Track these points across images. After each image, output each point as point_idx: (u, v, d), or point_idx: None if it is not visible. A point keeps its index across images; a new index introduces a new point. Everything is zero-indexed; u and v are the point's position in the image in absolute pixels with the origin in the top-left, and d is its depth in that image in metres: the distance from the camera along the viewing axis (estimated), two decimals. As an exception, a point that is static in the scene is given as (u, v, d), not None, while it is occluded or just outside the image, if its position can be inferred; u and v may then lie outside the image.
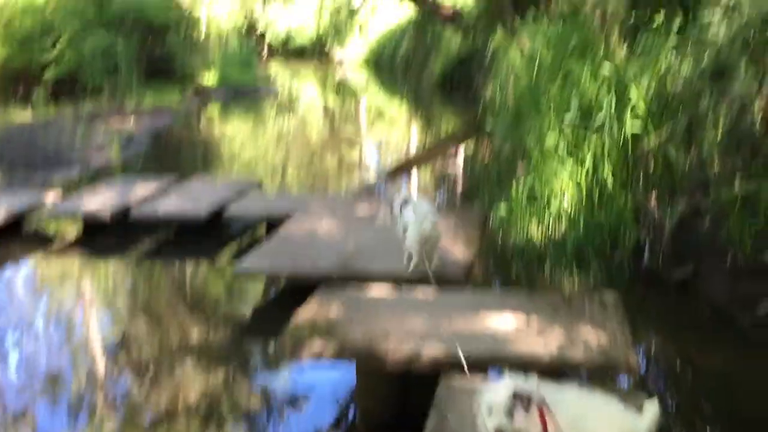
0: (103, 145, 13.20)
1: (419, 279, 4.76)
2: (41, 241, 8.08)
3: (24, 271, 7.28)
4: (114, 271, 7.32)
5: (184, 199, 8.12)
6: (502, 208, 7.17)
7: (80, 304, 6.40)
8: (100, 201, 8.16)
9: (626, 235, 6.21)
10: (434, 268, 4.79)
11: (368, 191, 9.78)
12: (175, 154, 14.10)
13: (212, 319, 5.92)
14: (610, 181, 6.42)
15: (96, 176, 11.50)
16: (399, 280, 4.80)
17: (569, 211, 6.62)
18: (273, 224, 7.27)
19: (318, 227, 6.58)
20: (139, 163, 12.77)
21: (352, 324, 3.96)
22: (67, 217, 8.01)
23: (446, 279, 4.79)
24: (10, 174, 11.20)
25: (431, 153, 13.51)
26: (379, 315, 4.07)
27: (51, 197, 8.59)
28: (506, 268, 6.64)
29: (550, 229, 6.67)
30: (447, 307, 4.19)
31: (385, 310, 4.19)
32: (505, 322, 3.86)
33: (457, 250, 5.23)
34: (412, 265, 4.92)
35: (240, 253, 7.24)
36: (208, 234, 7.83)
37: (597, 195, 6.51)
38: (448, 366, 3.50)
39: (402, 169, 11.96)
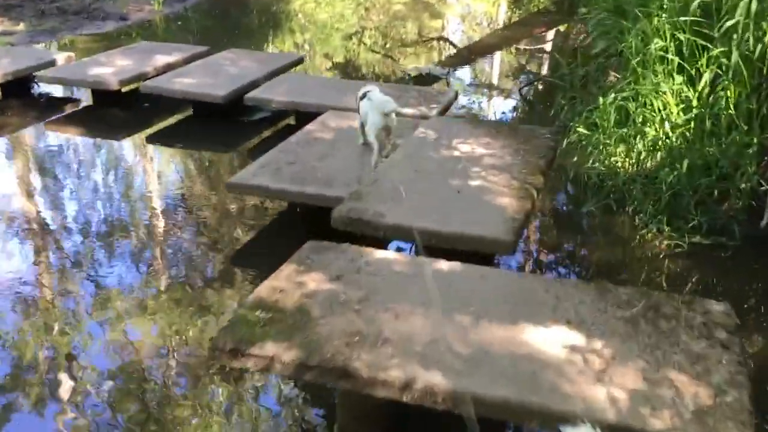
0: (147, -2, 11.95)
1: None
2: (43, 108, 7.09)
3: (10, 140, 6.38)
4: (107, 150, 6.31)
5: (206, 75, 6.90)
6: (581, 126, 5.71)
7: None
8: (111, 68, 7.04)
9: (744, 180, 4.72)
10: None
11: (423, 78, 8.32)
12: (230, 10, 12.72)
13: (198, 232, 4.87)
14: (732, 107, 4.84)
15: (130, 33, 10.37)
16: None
17: (670, 141, 5.10)
18: (305, 116, 6.06)
19: (343, 135, 5.32)
20: (184, 20, 11.49)
21: (332, 316, 2.74)
22: (71, 83, 6.93)
23: (482, 246, 3.48)
24: (38, 23, 10.14)
25: (510, 35, 11.70)
26: (372, 304, 2.83)
27: (63, 58, 7.51)
28: (573, 216, 5.27)
29: (640, 163, 5.20)
30: (473, 299, 2.90)
31: (384, 294, 2.92)
32: (553, 344, 2.60)
33: (506, 201, 3.78)
34: (373, 159, 4.72)
35: (252, 151, 6.12)
36: (228, 119, 6.67)
37: (711, 124, 4.96)
38: (452, 403, 2.34)
39: (474, 52, 10.35)
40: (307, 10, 13.71)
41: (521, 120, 7.25)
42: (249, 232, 4.85)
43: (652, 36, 5.39)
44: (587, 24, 7.95)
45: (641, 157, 5.25)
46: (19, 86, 7.16)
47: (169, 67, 7.32)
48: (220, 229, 4.93)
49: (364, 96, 4.90)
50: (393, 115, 4.70)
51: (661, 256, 4.52)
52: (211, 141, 6.43)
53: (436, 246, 3.41)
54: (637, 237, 4.72)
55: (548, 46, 11.07)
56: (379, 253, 3.19)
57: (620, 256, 4.63)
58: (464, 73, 9.15)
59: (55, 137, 6.53)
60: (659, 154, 5.18)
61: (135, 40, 10.06)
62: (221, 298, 4.09)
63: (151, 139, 6.53)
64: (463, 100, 7.61)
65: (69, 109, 7.13)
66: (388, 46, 11.17)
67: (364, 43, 11.27)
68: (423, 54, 10.58)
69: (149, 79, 6.92)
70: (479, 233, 3.42)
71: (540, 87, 8.31)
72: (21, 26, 9.86)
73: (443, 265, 3.10)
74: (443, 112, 6.17)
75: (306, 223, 4.68)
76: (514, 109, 7.78)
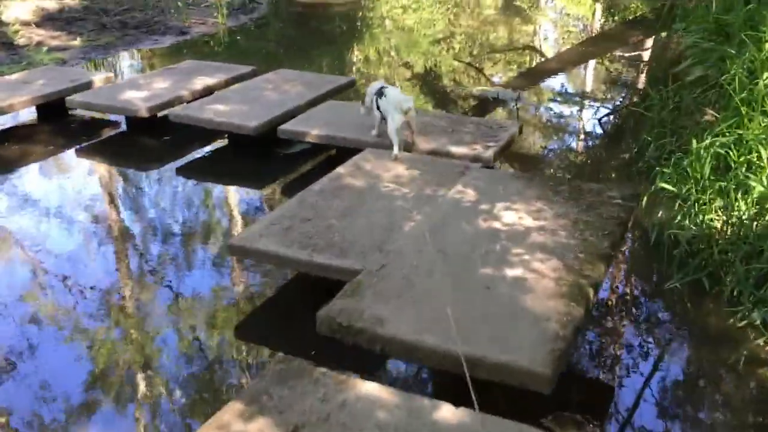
0: (211, 9, 11.50)
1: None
2: (77, 132, 6.62)
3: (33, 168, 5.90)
4: (130, 183, 5.73)
5: (243, 101, 6.25)
6: (669, 171, 4.69)
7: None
8: (145, 92, 6.50)
9: None
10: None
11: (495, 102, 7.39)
12: (303, 21, 12.11)
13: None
14: None
15: (187, 49, 9.92)
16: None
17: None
18: (346, 149, 5.33)
19: (376, 183, 4.55)
20: (247, 34, 10.97)
21: None
22: (99, 109, 6.41)
23: (509, 378, 2.58)
24: (95, 38, 9.83)
25: (603, 44, 10.51)
26: None
27: (100, 79, 7.05)
28: (649, 294, 4.23)
29: (743, 226, 4.14)
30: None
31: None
32: None
33: (550, 305, 2.79)
34: (393, 153, 4.98)
35: (287, 188, 5.43)
36: (265, 150, 6.00)
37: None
38: None
39: (562, 62, 9.29)
40: (393, 16, 13.09)
41: (595, 161, 6.18)
42: (257, 298, 4.11)
43: (761, 68, 4.32)
44: (683, 42, 6.86)
45: (744, 219, 4.19)
46: (56, 108, 6.74)
47: (207, 91, 6.73)
48: (223, 293, 4.22)
49: (381, 92, 5.10)
50: (412, 112, 4.99)
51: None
52: (243, 176, 5.78)
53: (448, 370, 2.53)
54: (735, 331, 3.68)
55: (645, 55, 9.92)
56: (367, 388, 2.36)
57: (708, 362, 3.59)
58: (539, 95, 8.16)
59: (81, 167, 6.03)
60: (768, 217, 4.11)
61: (190, 56, 9.62)
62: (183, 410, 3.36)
63: (181, 171, 5.92)
64: (528, 132, 6.62)
65: (104, 134, 6.64)
66: (475, 52, 10.30)
67: (451, 50, 10.44)
68: (509, 63, 9.67)
69: (184, 103, 6.36)
70: (505, 359, 2.52)
71: (624, 115, 7.21)
72: (77, 41, 9.58)
73: (459, 415, 2.23)
74: (501, 151, 5.27)
75: (315, 296, 3.90)
76: (588, 146, 6.69)
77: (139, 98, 6.33)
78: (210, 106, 6.13)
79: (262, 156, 5.99)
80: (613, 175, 5.74)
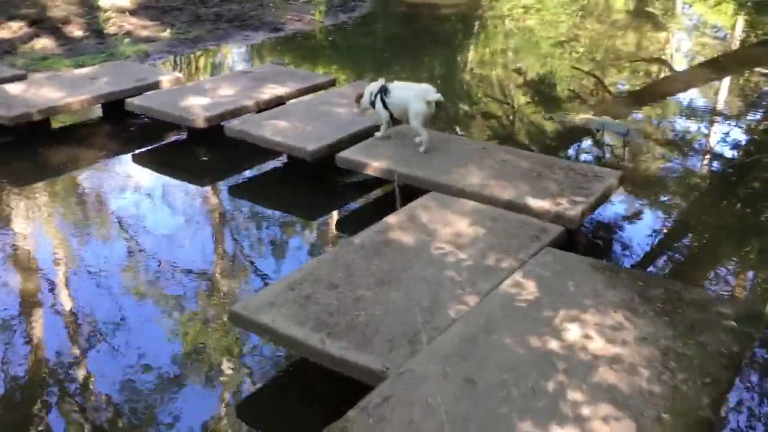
0: (310, 6, 10.99)
1: None
2: (139, 135, 6.22)
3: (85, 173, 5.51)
4: (178, 198, 5.22)
5: (308, 118, 5.62)
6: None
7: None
8: (208, 99, 6.01)
9: None
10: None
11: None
12: (410, 20, 11.42)
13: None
14: None
15: (276, 47, 9.45)
16: None
17: None
18: (413, 191, 4.61)
19: (429, 242, 3.78)
20: (343, 34, 10.39)
21: None
22: (156, 115, 5.94)
23: None
24: (186, 30, 9.52)
25: (744, 59, 9.17)
26: None
27: (169, 80, 6.63)
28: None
29: None
30: None
31: None
32: None
33: None
34: (423, 146, 5.00)
35: (341, 224, 4.76)
36: (326, 174, 5.35)
37: None
38: None
39: (692, 80, 8.10)
40: (515, 16, 12.23)
41: (714, 243, 4.82)
42: (259, 377, 3.46)
43: None
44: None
45: None
46: (120, 108, 6.36)
47: (276, 102, 6.16)
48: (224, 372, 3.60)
49: (385, 90, 5.05)
50: (434, 103, 4.92)
51: None
52: (295, 204, 5.16)
53: None
54: None
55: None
56: None
57: None
58: (655, 130, 7.03)
59: (132, 174, 5.58)
60: None
61: (278, 54, 9.14)
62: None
63: (234, 191, 5.38)
64: (632, 183, 5.41)
65: (164, 140, 6.18)
66: (598, 59, 9.30)
67: (572, 55, 9.47)
68: (633, 73, 8.62)
69: (248, 114, 5.82)
70: None
71: (755, 164, 6.01)
72: (167, 33, 9.30)
73: None
74: (591, 209, 4.37)
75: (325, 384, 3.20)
76: (709, 215, 5.09)
77: (199, 106, 5.84)
78: (270, 121, 5.54)
79: (320, 181, 5.35)
80: (738, 270, 4.44)
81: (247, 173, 5.63)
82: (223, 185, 5.48)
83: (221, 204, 5.21)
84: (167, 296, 4.03)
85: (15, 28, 8.80)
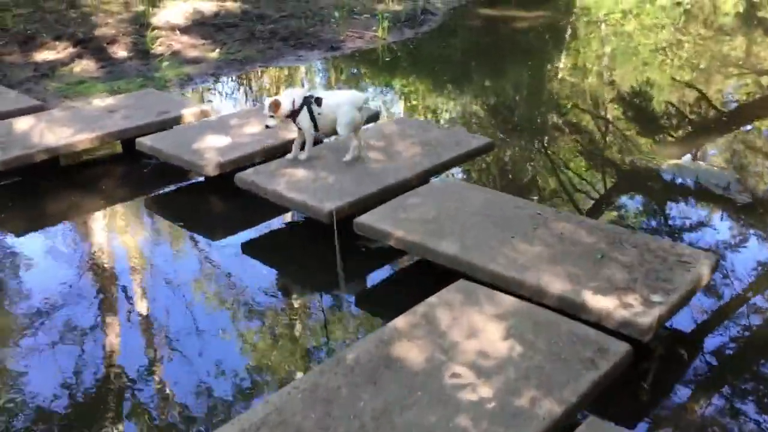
0: (374, 22, 10.17)
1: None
2: (158, 174, 5.54)
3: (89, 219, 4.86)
4: (182, 257, 4.48)
5: (334, 167, 4.79)
6: None
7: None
8: (228, 139, 5.28)
9: None
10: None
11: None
12: (488, 33, 10.41)
13: None
14: None
15: (327, 69, 8.70)
16: None
17: None
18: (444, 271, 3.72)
19: (442, 357, 2.86)
20: (407, 52, 9.52)
21: None
22: (166, 158, 5.23)
23: None
24: (237, 49, 8.90)
25: None
26: None
27: (194, 113, 5.96)
28: None
29: None
30: None
31: None
32: None
33: None
34: (350, 155, 4.73)
35: (360, 300, 3.87)
36: (348, 232, 4.51)
37: None
38: None
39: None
40: (611, 21, 11.16)
41: None
42: None
43: None
44: None
45: None
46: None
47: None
48: None
49: (309, 101, 4.58)
50: (364, 111, 4.72)
51: None
52: (308, 273, 4.34)
53: None
54: None
55: None
56: None
57: None
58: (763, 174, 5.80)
59: (138, 224, 4.94)
60: None
61: (328, 76, 8.39)
62: None
63: (246, 248, 4.62)
64: (729, 267, 4.26)
65: (180, 182, 5.47)
66: (702, 67, 8.12)
67: (673, 63, 8.32)
68: (742, 86, 7.41)
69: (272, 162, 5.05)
70: None
71: None
72: (215, 53, 8.70)
73: None
74: (670, 313, 3.32)
75: None
76: None
77: (215, 149, 5.11)
78: (287, 170, 4.74)
79: (344, 243, 4.49)
80: None
81: (264, 226, 4.85)
82: (234, 241, 4.72)
83: (222, 268, 4.44)
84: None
85: (59, 48, 8.41)
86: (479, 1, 12.58)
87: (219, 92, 7.71)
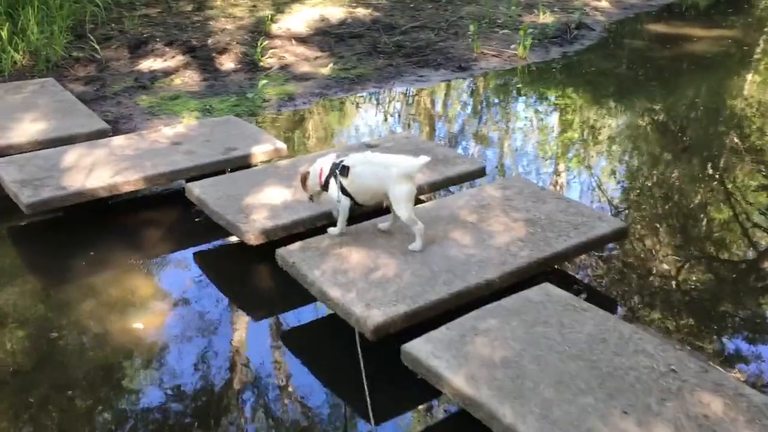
0: (515, 35, 8.85)
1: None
2: (198, 226, 4.71)
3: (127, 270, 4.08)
4: (210, 335, 3.56)
5: (405, 257, 3.68)
6: None
7: None
8: (286, 193, 4.31)
9: None
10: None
11: None
12: (641, 63, 8.79)
13: None
14: None
15: (452, 93, 7.57)
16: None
17: None
18: None
19: None
20: (549, 77, 8.14)
21: None
22: (209, 213, 4.32)
23: None
24: (352, 65, 7.96)
25: None
26: None
27: (266, 150, 5.07)
28: None
29: None
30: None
31: None
32: None
33: None
34: (418, 243, 3.62)
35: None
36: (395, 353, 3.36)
37: None
38: None
39: None
40: None
41: None
42: None
43: None
44: None
45: None
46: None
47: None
48: None
49: (342, 167, 3.60)
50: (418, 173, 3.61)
51: None
52: (337, 390, 3.27)
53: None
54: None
55: None
56: None
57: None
58: None
59: (172, 284, 4.10)
60: None
61: (444, 104, 7.28)
62: None
63: (284, 339, 3.64)
64: None
65: (230, 238, 4.59)
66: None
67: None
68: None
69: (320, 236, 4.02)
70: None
71: None
72: (328, 68, 7.81)
73: None
74: None
75: None
76: None
77: (267, 207, 4.16)
78: (341, 249, 3.67)
79: (390, 364, 3.37)
80: None
81: (305, 318, 3.83)
82: (271, 324, 3.76)
83: (253, 361, 3.47)
84: None
85: (168, 56, 7.89)
86: (651, 15, 10.83)
87: (312, 119, 6.77)
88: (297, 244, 3.78)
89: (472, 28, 8.66)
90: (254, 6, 9.77)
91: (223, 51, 8.05)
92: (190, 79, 7.44)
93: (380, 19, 9.51)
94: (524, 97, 7.54)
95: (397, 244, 3.73)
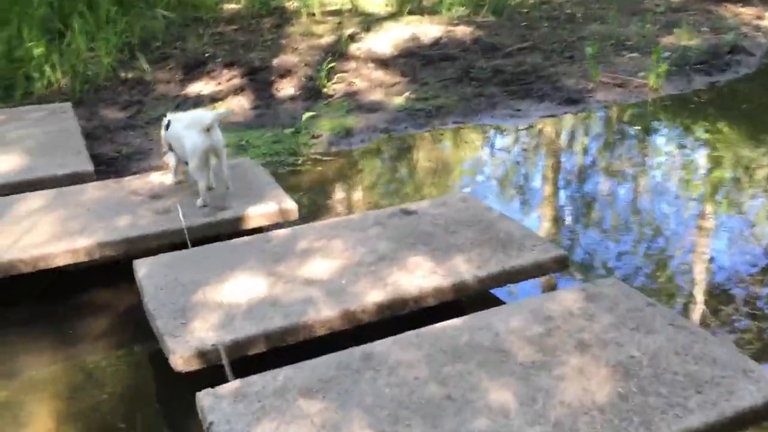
0: (647, 59, 7.05)
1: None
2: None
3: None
4: None
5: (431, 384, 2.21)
6: None
7: None
8: (276, 285, 2.96)
9: None
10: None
11: None
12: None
13: None
14: None
15: (555, 133, 5.98)
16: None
17: None
18: None
19: None
20: (688, 113, 6.31)
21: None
22: (144, 300, 3.04)
23: None
24: (435, 93, 6.54)
25: None
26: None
27: (265, 216, 3.75)
28: None
29: None
30: None
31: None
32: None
33: None
34: (200, 200, 3.67)
35: None
36: None
37: None
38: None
39: None
40: None
41: None
42: None
43: None
44: None
45: None
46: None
47: (401, 305, 2.83)
48: None
49: (167, 123, 3.91)
50: (218, 131, 3.58)
51: None
52: None
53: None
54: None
55: None
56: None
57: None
58: None
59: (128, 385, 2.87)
60: None
61: (523, 154, 5.70)
62: None
63: None
64: None
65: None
66: None
67: None
68: None
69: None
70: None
71: None
72: (402, 98, 6.42)
73: None
74: None
75: None
76: None
77: (220, 309, 2.82)
78: (292, 403, 2.24)
79: None
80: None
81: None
82: None
83: None
84: None
85: (223, 79, 6.82)
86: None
87: (359, 164, 5.35)
88: (231, 386, 2.39)
89: (589, 50, 6.97)
90: (339, 23, 8.58)
91: (285, 74, 6.88)
92: (238, 106, 6.31)
93: (482, 38, 8.01)
94: (651, 143, 5.78)
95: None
